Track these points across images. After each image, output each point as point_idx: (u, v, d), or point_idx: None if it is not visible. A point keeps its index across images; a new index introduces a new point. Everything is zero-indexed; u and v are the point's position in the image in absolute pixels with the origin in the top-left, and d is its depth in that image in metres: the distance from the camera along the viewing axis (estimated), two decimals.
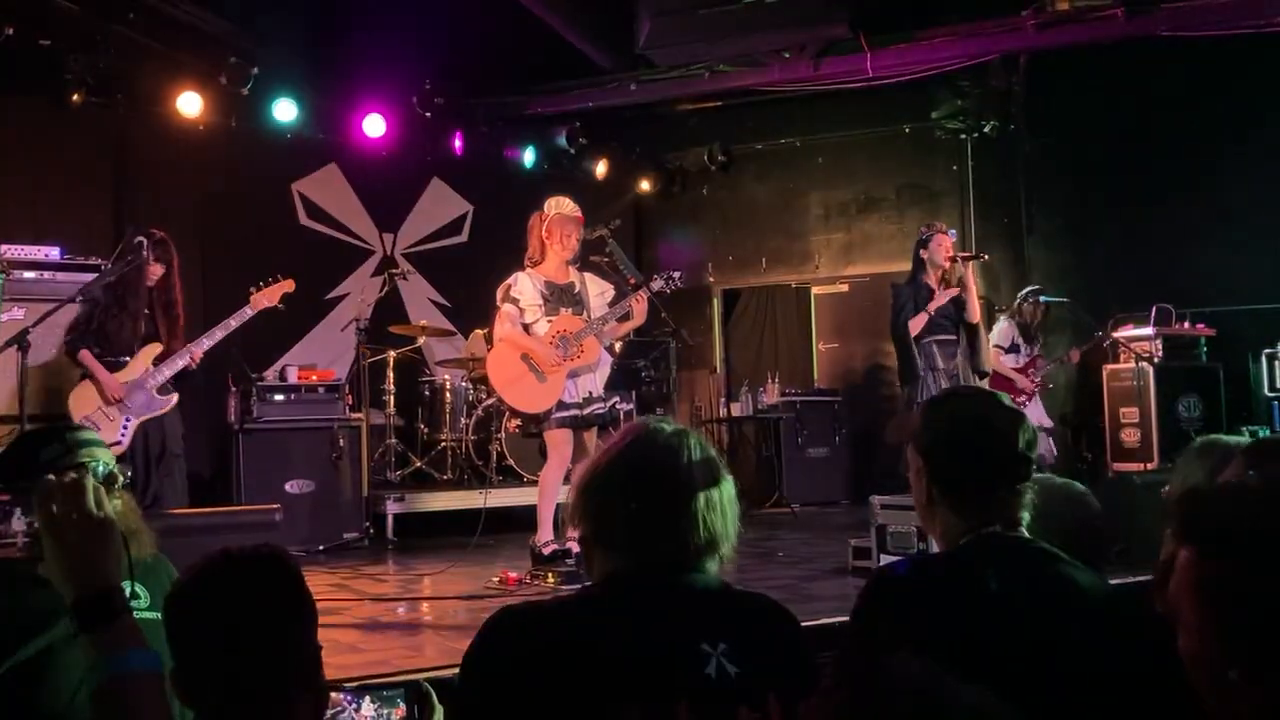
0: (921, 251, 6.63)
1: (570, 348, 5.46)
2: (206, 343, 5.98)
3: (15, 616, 1.83)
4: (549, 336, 5.47)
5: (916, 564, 2.01)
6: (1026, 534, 1.91)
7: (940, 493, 1.92)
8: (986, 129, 9.27)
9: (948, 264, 6.55)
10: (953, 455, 1.91)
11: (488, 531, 6.18)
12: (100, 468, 1.99)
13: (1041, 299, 7.81)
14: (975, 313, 6.59)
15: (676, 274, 5.79)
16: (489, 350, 5.90)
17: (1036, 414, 7.46)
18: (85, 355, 5.83)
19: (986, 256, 7.86)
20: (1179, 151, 8.49)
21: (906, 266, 6.87)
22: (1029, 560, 1.84)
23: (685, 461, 1.70)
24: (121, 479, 2.01)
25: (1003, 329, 7.84)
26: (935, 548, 2.01)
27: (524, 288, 5.53)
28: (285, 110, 8.24)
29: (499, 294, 5.59)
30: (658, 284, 5.65)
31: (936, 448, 1.93)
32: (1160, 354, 8.15)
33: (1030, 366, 7.75)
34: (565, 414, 5.45)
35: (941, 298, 6.51)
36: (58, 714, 1.80)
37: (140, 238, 5.82)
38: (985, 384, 6.59)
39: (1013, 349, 7.78)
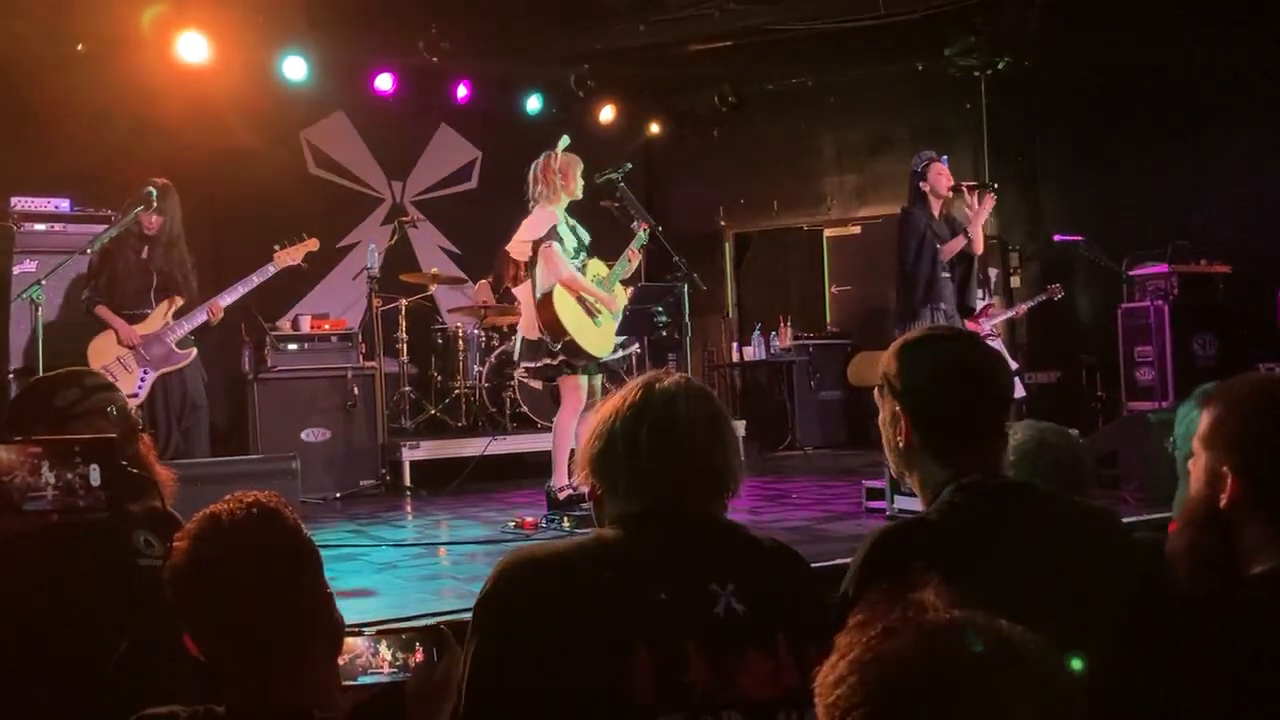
0: (921, 183, 6.23)
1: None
2: (228, 298, 5.98)
3: None
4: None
5: (912, 524, 1.84)
6: (1010, 476, 1.86)
7: (923, 440, 1.80)
8: (1001, 66, 9.12)
9: (949, 193, 6.22)
10: (938, 400, 1.79)
11: (503, 477, 6.22)
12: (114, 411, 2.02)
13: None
14: (979, 244, 6.27)
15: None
16: (531, 294, 5.44)
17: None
18: (101, 310, 5.86)
19: (996, 186, 7.61)
20: (1196, 88, 8.34)
21: None
22: (1027, 503, 1.78)
23: (686, 407, 1.71)
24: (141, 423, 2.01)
25: None
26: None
27: (562, 229, 5.45)
28: (293, 59, 8.17)
29: (530, 230, 5.41)
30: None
31: (919, 392, 1.81)
32: (1176, 291, 8.07)
33: (983, 315, 7.39)
34: (580, 360, 5.46)
35: (978, 217, 6.17)
36: None
37: (149, 188, 5.80)
38: (966, 323, 6.32)
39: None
